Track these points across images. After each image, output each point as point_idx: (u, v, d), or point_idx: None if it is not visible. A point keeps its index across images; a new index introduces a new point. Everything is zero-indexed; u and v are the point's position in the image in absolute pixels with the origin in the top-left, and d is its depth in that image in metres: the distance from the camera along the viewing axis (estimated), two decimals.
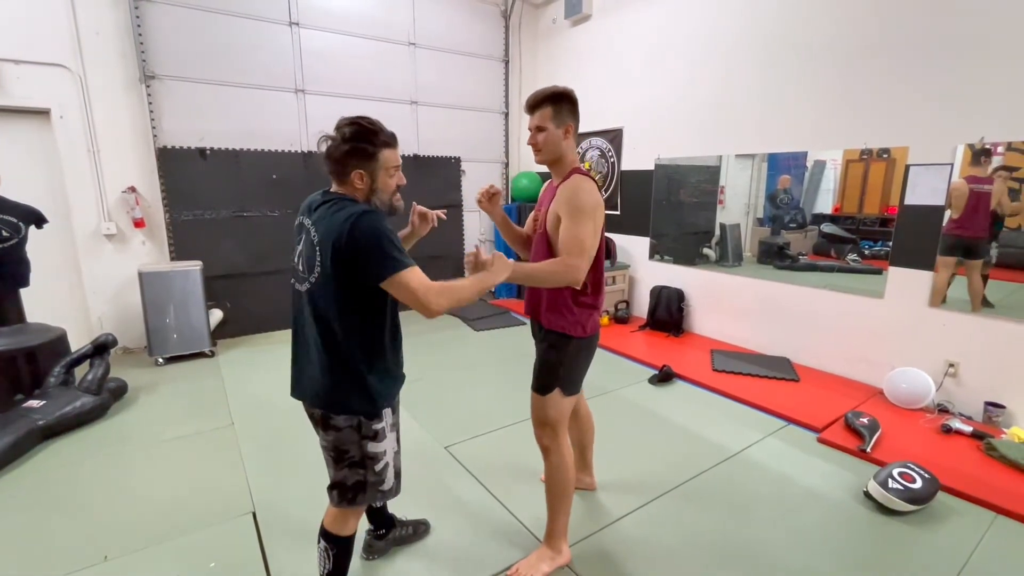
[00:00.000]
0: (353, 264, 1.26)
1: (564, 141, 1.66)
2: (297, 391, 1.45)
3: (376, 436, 1.40)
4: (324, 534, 1.46)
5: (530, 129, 1.70)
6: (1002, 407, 2.79)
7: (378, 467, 1.42)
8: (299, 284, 1.38)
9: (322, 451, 1.45)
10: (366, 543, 1.84)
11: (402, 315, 1.44)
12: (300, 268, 1.37)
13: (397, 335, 1.46)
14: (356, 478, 1.41)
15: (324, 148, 1.34)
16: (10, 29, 3.46)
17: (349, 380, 1.34)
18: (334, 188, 1.39)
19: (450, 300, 1.31)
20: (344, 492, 1.42)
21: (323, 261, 1.29)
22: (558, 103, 1.64)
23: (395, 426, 1.49)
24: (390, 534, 1.87)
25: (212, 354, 4.04)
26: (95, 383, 2.98)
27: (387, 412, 1.43)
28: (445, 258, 5.56)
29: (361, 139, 1.32)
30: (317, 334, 1.34)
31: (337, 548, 1.46)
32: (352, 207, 1.29)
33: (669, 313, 4.51)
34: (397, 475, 1.50)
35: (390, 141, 1.37)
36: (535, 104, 1.65)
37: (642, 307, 4.90)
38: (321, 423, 1.40)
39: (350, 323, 1.32)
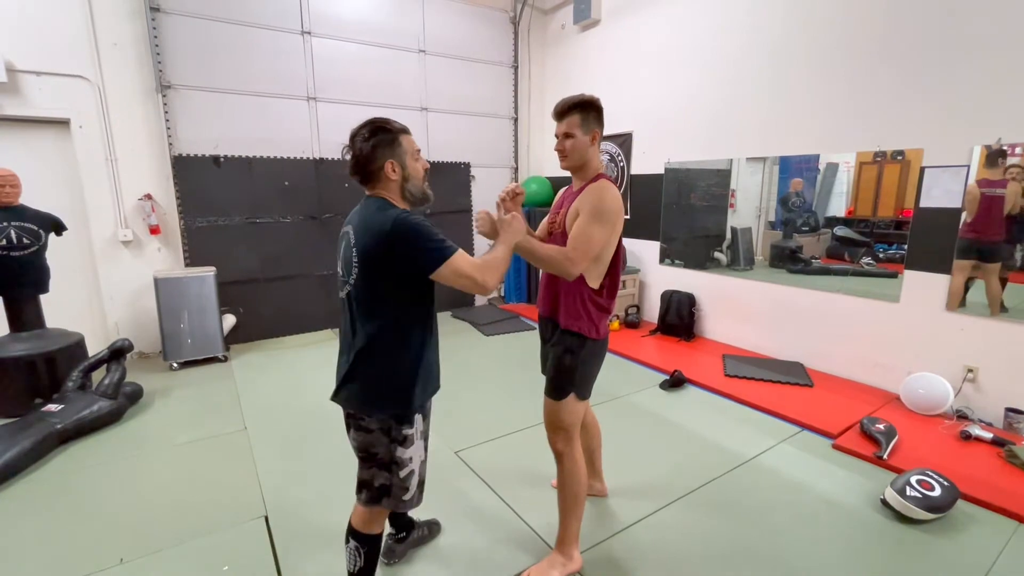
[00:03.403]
0: (393, 260, 1.29)
1: (590, 148, 1.68)
2: (335, 393, 1.45)
3: (405, 441, 1.41)
4: (353, 533, 1.49)
5: (557, 136, 1.71)
6: (1023, 413, 2.73)
7: (403, 473, 1.42)
8: (341, 290, 1.42)
9: (353, 450, 1.48)
10: (387, 547, 1.84)
11: None
12: (341, 273, 1.41)
13: (432, 339, 1.46)
14: (382, 480, 1.43)
15: (350, 156, 1.38)
16: (32, 41, 3.56)
17: (383, 381, 1.37)
18: (368, 193, 1.43)
19: (497, 272, 1.37)
20: (371, 492, 1.44)
21: (360, 260, 1.32)
22: (586, 110, 1.66)
23: (424, 434, 1.49)
24: (410, 536, 1.89)
25: (225, 359, 4.09)
26: (111, 387, 3.03)
27: (418, 418, 1.43)
28: None
29: (380, 131, 1.37)
30: (356, 335, 1.37)
31: (368, 546, 1.49)
32: (392, 210, 1.33)
33: (680, 318, 4.48)
34: (420, 485, 1.50)
35: (404, 128, 1.42)
36: (564, 111, 1.67)
37: (652, 312, 4.87)
38: (353, 424, 1.43)
39: (386, 323, 1.35)
